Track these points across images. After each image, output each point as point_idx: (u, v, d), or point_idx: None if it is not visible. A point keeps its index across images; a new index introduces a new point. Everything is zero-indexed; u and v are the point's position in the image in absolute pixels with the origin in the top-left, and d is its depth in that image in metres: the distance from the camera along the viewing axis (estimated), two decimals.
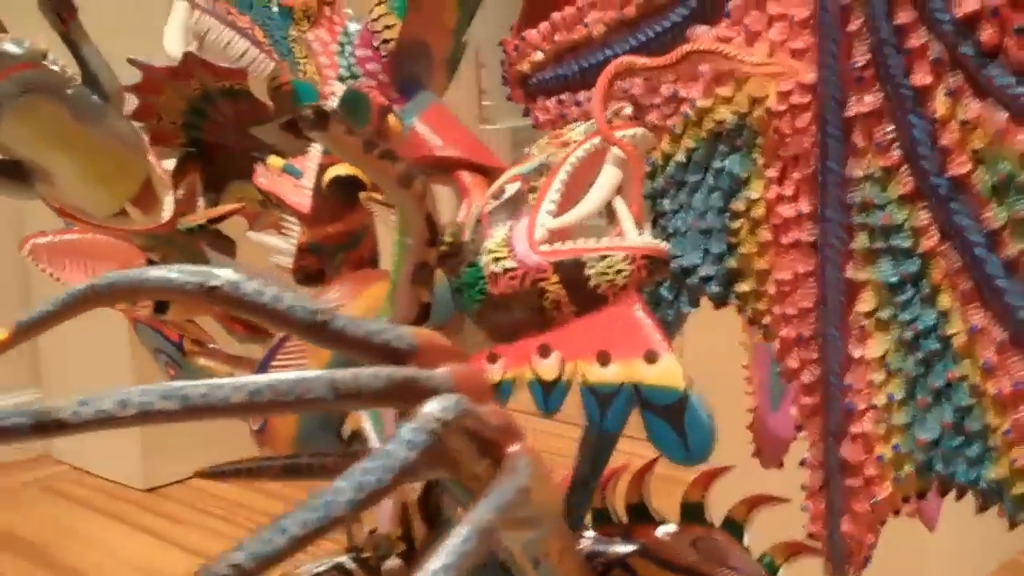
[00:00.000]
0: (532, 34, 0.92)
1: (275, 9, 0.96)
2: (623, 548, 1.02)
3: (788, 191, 0.78)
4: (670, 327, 0.91)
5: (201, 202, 0.97)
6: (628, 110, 0.79)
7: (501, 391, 0.77)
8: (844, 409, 0.78)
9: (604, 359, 0.73)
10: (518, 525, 0.65)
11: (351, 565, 0.75)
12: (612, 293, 0.75)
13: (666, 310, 0.88)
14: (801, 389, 0.81)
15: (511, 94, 0.97)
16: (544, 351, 0.76)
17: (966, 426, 0.73)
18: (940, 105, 0.70)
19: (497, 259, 0.77)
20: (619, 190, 0.79)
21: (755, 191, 0.80)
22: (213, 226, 0.91)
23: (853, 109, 0.74)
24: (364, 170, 0.76)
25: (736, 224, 0.82)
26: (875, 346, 0.76)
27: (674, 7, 0.83)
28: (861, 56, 0.73)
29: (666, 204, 0.86)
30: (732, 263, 0.83)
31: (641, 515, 1.06)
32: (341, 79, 0.94)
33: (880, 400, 0.76)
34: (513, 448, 0.58)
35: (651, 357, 0.72)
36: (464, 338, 0.81)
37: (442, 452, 0.53)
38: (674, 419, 0.70)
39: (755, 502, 1.05)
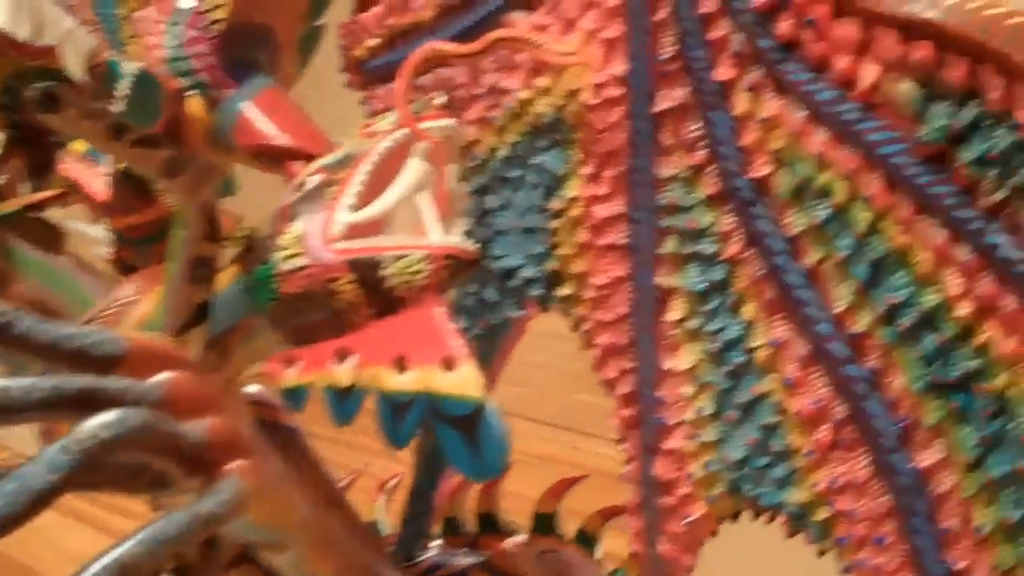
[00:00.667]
0: (366, 17, 0.87)
1: None
2: (465, 560, 0.97)
3: (603, 190, 0.74)
4: (498, 331, 0.87)
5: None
6: (440, 100, 0.74)
7: (296, 396, 0.72)
8: (657, 423, 0.73)
9: (401, 365, 0.68)
10: (266, 547, 0.60)
11: None
12: (411, 295, 0.70)
13: (492, 313, 0.83)
14: (620, 400, 0.76)
15: (349, 80, 0.92)
16: (341, 355, 0.71)
17: (770, 445, 0.68)
18: (741, 102, 0.65)
19: (289, 256, 0.72)
20: (425, 184, 0.74)
21: (572, 189, 0.76)
22: (31, 214, 0.87)
23: (661, 104, 0.69)
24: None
25: (556, 224, 0.77)
26: (685, 357, 0.71)
27: None
28: (667, 48, 0.68)
29: (491, 201, 0.81)
30: (553, 265, 0.78)
31: (490, 525, 1.02)
32: (167, 61, 0.89)
33: (690, 415, 0.72)
34: (231, 466, 0.54)
35: (448, 364, 0.67)
36: (261, 339, 0.76)
37: (122, 469, 0.49)
38: (468, 431, 0.66)
39: (609, 514, 1.01)
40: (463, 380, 0.66)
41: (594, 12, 0.72)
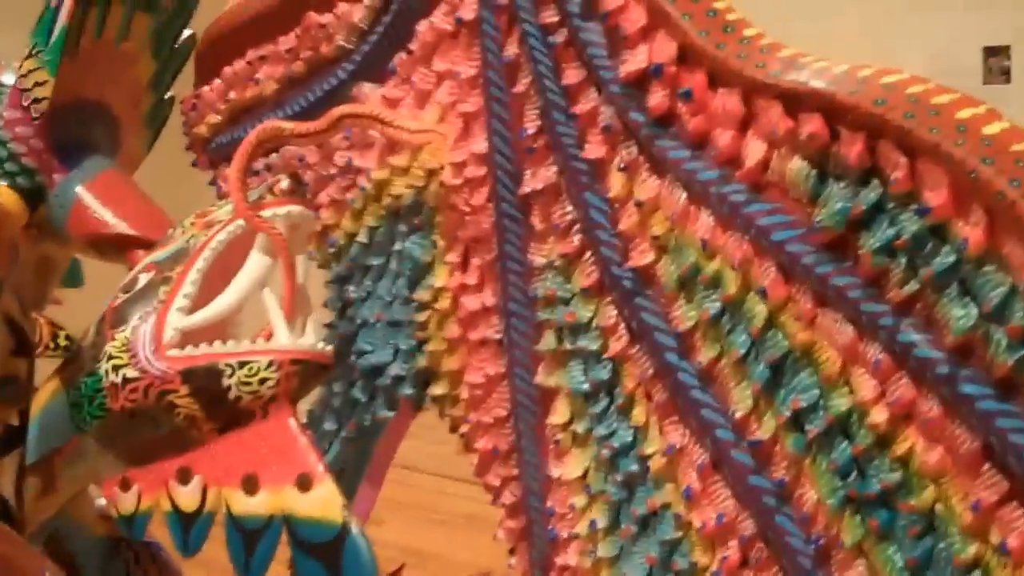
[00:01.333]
0: (207, 92, 0.78)
1: None
2: None
3: (472, 279, 0.65)
4: (371, 433, 0.77)
5: None
6: (285, 183, 0.65)
7: (135, 525, 0.63)
8: (548, 537, 0.65)
9: (251, 485, 0.60)
10: None
11: None
12: (258, 406, 0.61)
13: (362, 414, 0.74)
14: (505, 511, 0.68)
15: (196, 160, 0.82)
16: (184, 476, 0.62)
17: (673, 563, 0.60)
18: (616, 182, 0.57)
19: (117, 367, 0.63)
20: (268, 280, 0.65)
21: (439, 278, 0.67)
22: None
23: (527, 185, 0.61)
24: None
25: (423, 316, 0.69)
26: (573, 464, 0.63)
27: (340, 62, 0.69)
28: (531, 123, 0.60)
29: (352, 291, 0.72)
30: (423, 362, 0.70)
31: None
32: None
33: (583, 528, 0.63)
34: None
35: (304, 483, 0.58)
36: (92, 460, 0.66)
37: None
38: (329, 559, 0.57)
39: None
40: (322, 501, 0.58)
41: (450, 84, 0.63)
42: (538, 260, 0.62)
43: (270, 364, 0.60)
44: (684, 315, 0.56)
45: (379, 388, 0.73)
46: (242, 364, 0.60)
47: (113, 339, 0.64)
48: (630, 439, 0.61)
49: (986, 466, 0.47)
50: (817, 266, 0.51)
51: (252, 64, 0.73)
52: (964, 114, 0.46)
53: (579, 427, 0.62)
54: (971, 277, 0.46)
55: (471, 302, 0.65)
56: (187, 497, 0.61)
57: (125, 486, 0.64)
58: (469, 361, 0.67)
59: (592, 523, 0.63)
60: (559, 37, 0.57)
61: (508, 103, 0.61)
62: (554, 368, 0.63)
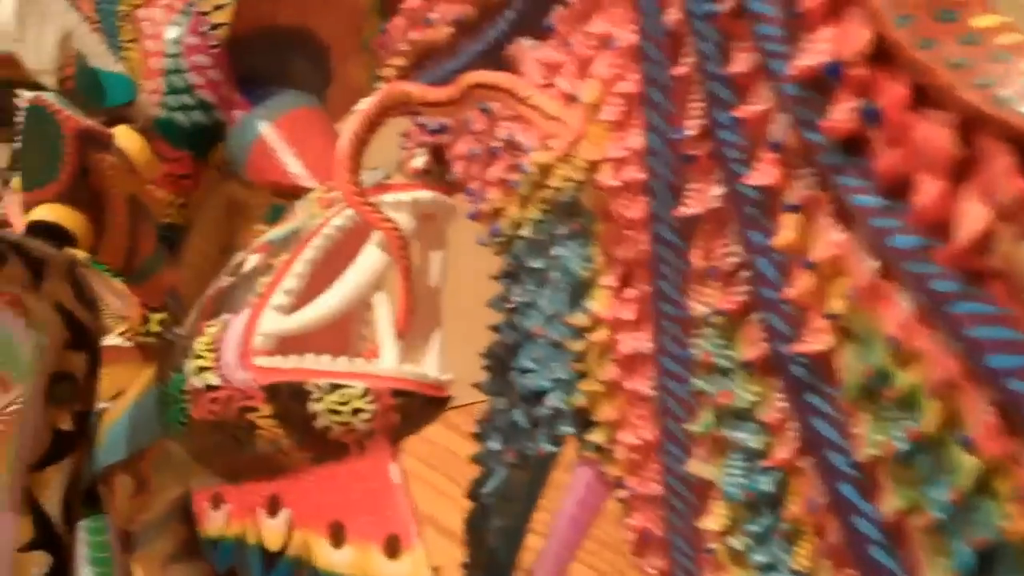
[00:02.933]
0: (392, 27, 0.64)
1: None
2: None
3: (628, 314, 0.49)
4: (536, 467, 0.63)
5: None
6: (419, 160, 0.51)
7: (219, 552, 0.54)
8: None
9: (338, 536, 0.51)
10: None
11: None
12: (352, 441, 0.49)
13: (524, 442, 0.60)
14: None
15: None
16: (273, 506, 0.53)
17: None
18: (787, 226, 0.38)
19: (201, 369, 0.53)
20: (383, 282, 0.52)
21: (597, 303, 0.51)
22: None
23: (687, 205, 0.43)
24: None
25: (580, 346, 0.53)
26: None
27: (503, 9, 0.53)
28: (692, 121, 0.42)
29: (517, 294, 0.57)
30: (581, 401, 0.54)
31: None
32: (165, 73, 0.70)
33: None
34: None
35: (392, 547, 0.49)
36: (181, 467, 0.57)
37: None
38: None
39: None
40: (407, 575, 0.47)
41: (610, 54, 0.46)
42: (698, 308, 0.44)
43: (366, 393, 0.48)
44: (867, 438, 0.37)
45: (540, 418, 0.58)
46: (334, 387, 0.49)
47: (203, 333, 0.53)
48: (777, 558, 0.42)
49: None
50: None
51: (429, 1, 0.59)
52: None
53: (736, 542, 0.45)
54: None
55: (627, 342, 0.49)
56: (273, 532, 0.52)
57: (216, 503, 0.55)
58: (625, 416, 0.51)
59: None
60: (727, 3, 0.38)
61: (669, 88, 0.42)
62: (710, 457, 0.45)
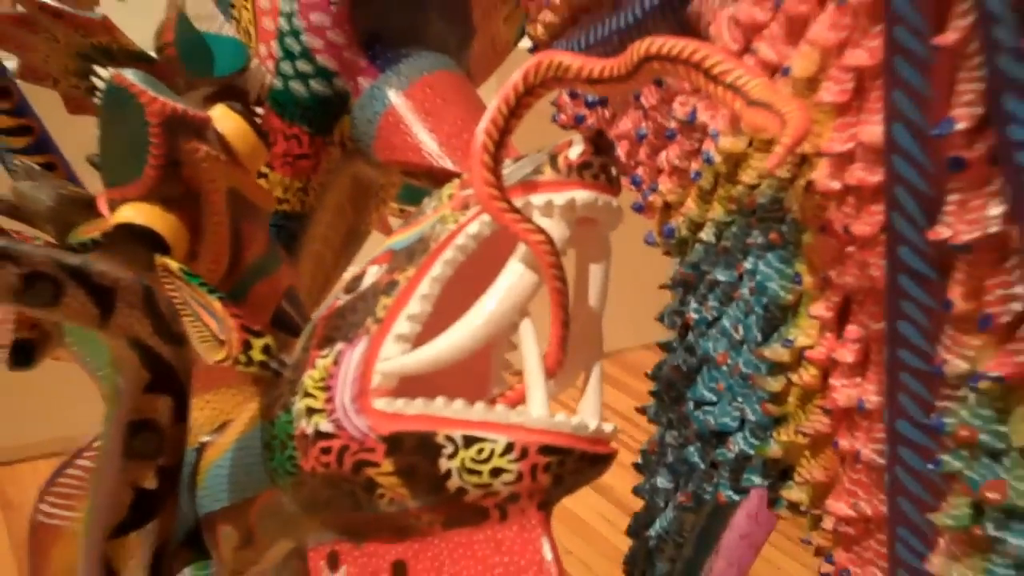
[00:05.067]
0: None
1: None
2: None
3: (849, 355, 0.37)
4: (713, 515, 0.52)
5: None
6: (576, 151, 0.40)
7: None
8: None
9: None
10: None
11: None
12: (492, 506, 0.39)
13: (700, 484, 0.49)
14: None
15: None
16: (399, 573, 0.42)
17: None
18: None
19: (311, 411, 0.44)
20: (527, 308, 0.41)
21: (802, 335, 0.40)
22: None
23: (949, 227, 0.30)
24: None
25: (778, 385, 0.41)
26: None
27: None
28: (964, 108, 0.29)
29: (694, 308, 0.46)
30: (775, 450, 0.42)
31: None
32: (280, 36, 0.60)
33: None
34: None
35: None
36: (291, 520, 0.47)
37: None
38: None
39: None
40: None
41: (836, 11, 0.33)
42: (956, 364, 0.32)
43: (509, 448, 0.38)
44: None
45: (720, 462, 0.46)
46: (469, 441, 0.40)
47: (313, 366, 0.43)
48: None
49: None
50: None
51: None
52: None
53: None
54: None
55: (845, 391, 0.37)
56: None
57: (333, 564, 0.45)
58: (839, 477, 0.39)
59: None
60: None
61: (927, 62, 0.30)
62: (963, 556, 0.33)
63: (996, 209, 0.30)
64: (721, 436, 0.46)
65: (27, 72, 0.66)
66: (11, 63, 0.67)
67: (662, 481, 0.53)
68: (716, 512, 0.53)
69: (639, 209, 0.50)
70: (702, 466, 0.49)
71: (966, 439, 0.32)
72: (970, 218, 0.31)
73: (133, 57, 0.62)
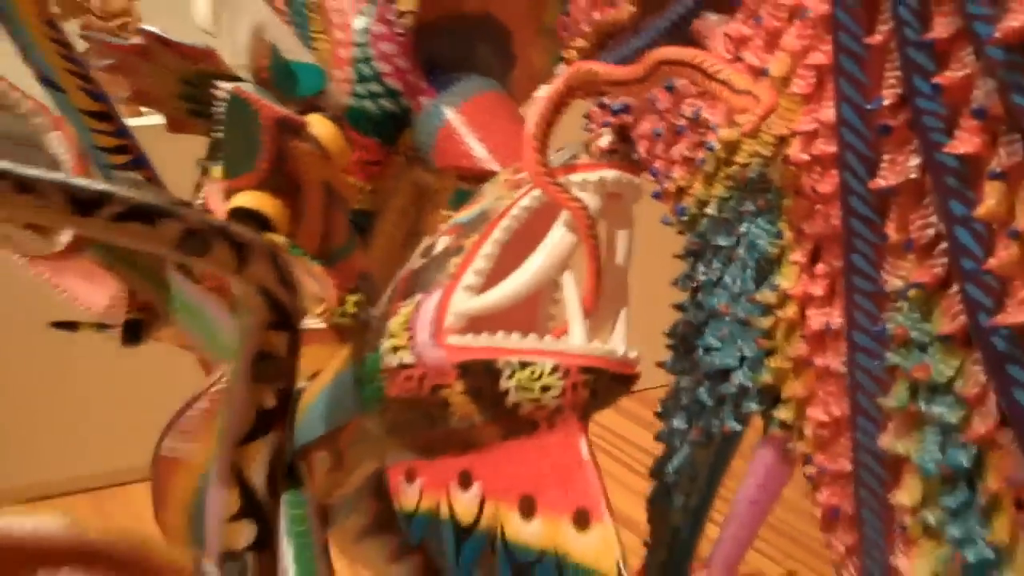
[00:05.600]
0: (575, 8, 0.65)
1: None
2: None
3: (818, 289, 0.49)
4: (721, 446, 0.63)
5: None
6: (605, 140, 0.52)
7: (413, 526, 0.56)
8: None
9: (528, 508, 0.51)
10: None
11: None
12: (542, 418, 0.51)
13: (709, 419, 0.61)
14: None
15: None
16: (465, 480, 0.55)
17: None
18: (989, 194, 0.38)
19: (395, 348, 0.55)
20: (570, 262, 0.53)
21: (785, 279, 0.51)
22: None
23: (883, 178, 0.43)
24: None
25: (768, 322, 0.53)
26: (922, 563, 0.46)
27: None
28: (889, 90, 0.42)
29: (703, 272, 0.58)
30: (768, 377, 0.54)
31: None
32: (352, 62, 0.73)
33: None
34: None
35: (582, 520, 0.50)
36: (376, 443, 0.59)
37: None
38: None
39: None
40: (597, 546, 0.48)
41: (799, 25, 0.46)
42: (893, 282, 0.44)
43: (555, 370, 0.49)
44: None
45: (725, 396, 0.58)
46: (524, 365, 0.50)
47: (396, 313, 0.55)
48: (991, 557, 0.42)
49: None
50: None
51: None
52: None
53: (931, 517, 0.45)
54: None
55: (817, 318, 0.49)
56: (465, 506, 0.53)
57: (410, 477, 0.57)
58: (814, 391, 0.50)
59: None
60: None
61: (863, 58, 0.42)
62: (904, 432, 0.45)
63: (914, 161, 0.42)
64: (725, 373, 0.58)
65: (138, 96, 0.79)
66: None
67: (678, 423, 0.65)
68: (723, 446, 0.65)
69: (658, 196, 0.62)
70: (710, 403, 0.60)
71: (902, 337, 0.44)
72: (897, 169, 0.43)
73: (232, 80, 0.74)
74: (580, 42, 0.66)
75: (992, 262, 0.38)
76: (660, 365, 0.65)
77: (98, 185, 0.46)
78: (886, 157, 0.43)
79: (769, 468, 0.79)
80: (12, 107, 0.70)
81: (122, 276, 0.75)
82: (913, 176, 0.42)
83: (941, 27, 0.38)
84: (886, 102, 0.42)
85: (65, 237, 0.70)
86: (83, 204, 0.44)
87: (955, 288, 0.41)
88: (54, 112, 0.77)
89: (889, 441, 0.46)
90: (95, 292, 0.82)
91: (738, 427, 0.59)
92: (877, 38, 0.42)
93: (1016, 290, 0.38)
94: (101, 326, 0.79)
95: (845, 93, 0.44)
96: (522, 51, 0.79)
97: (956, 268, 0.41)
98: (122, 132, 0.81)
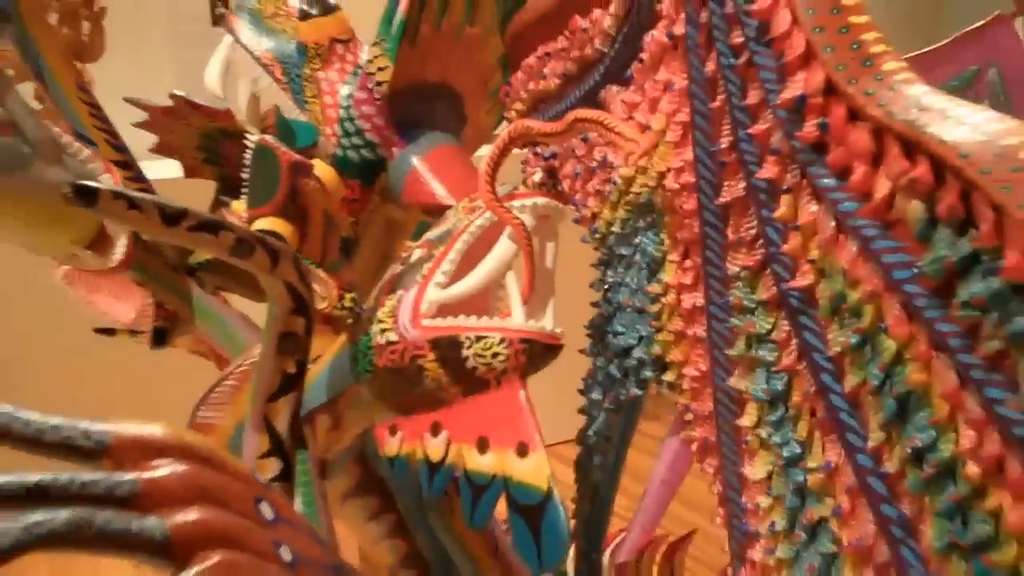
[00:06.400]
0: (514, 80, 0.88)
1: (292, 46, 0.98)
2: None
3: (688, 279, 0.71)
4: (628, 409, 0.85)
5: None
6: (537, 176, 0.75)
7: (396, 466, 0.77)
8: (741, 529, 0.70)
9: (483, 446, 0.72)
10: None
11: None
12: (492, 378, 0.72)
13: (618, 389, 0.82)
14: (718, 499, 0.74)
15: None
16: (435, 429, 0.75)
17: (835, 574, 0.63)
18: (782, 203, 0.61)
19: (383, 330, 0.76)
20: (511, 264, 0.75)
21: (667, 274, 0.74)
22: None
23: (723, 196, 0.65)
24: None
25: (656, 308, 0.75)
26: (759, 466, 0.68)
27: (597, 64, 0.76)
28: (724, 138, 0.64)
29: (610, 276, 0.80)
30: (657, 350, 0.76)
31: None
32: (339, 121, 0.95)
33: (765, 528, 0.68)
34: (196, 559, 0.57)
35: (522, 450, 0.69)
36: (367, 406, 0.80)
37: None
38: (532, 521, 0.68)
39: None
40: (533, 468, 0.68)
41: (670, 95, 0.69)
42: (732, 269, 0.66)
43: (502, 340, 0.70)
44: (835, 340, 0.59)
45: (628, 368, 0.80)
46: (479, 338, 0.71)
47: (383, 305, 0.76)
48: (798, 451, 0.64)
49: None
50: (927, 310, 0.52)
51: (541, 59, 0.82)
52: None
53: (763, 432, 0.67)
54: None
55: (688, 300, 0.71)
56: (435, 448, 0.74)
57: (392, 431, 0.77)
58: (688, 355, 0.73)
59: (772, 524, 0.67)
60: (742, 58, 0.61)
61: (709, 116, 0.65)
62: (744, 373, 0.67)
63: (741, 184, 0.65)
64: (627, 351, 0.80)
65: (162, 148, 1.01)
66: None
67: (595, 395, 0.87)
68: (629, 411, 0.87)
69: (578, 221, 0.85)
70: (618, 375, 0.83)
71: (739, 305, 0.67)
72: (731, 190, 0.65)
73: (242, 134, 0.96)
74: (519, 105, 0.89)
75: (785, 247, 0.61)
76: (582, 351, 0.87)
77: (180, 205, 0.67)
78: (725, 183, 0.66)
79: (675, 454, 1.02)
80: (75, 154, 0.91)
81: (153, 291, 0.96)
82: (740, 194, 0.64)
83: (752, 96, 0.61)
84: (723, 146, 0.65)
85: (117, 256, 0.91)
86: (170, 218, 0.65)
87: (769, 269, 0.64)
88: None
89: (735, 381, 0.68)
90: (123, 307, 1.03)
91: (639, 392, 0.81)
92: (716, 104, 0.65)
93: (800, 266, 0.60)
94: (133, 332, 0.99)
95: (699, 140, 0.66)
96: (473, 112, 1.02)
97: (768, 254, 0.63)
98: (140, 177, 1.02)
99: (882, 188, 0.53)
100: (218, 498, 0.57)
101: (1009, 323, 0.47)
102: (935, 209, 0.51)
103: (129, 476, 0.54)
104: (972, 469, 0.51)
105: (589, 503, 0.93)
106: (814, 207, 0.59)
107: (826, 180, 0.57)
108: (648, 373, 0.78)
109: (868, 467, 0.58)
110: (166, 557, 0.54)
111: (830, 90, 0.56)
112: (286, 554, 0.61)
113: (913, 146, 0.51)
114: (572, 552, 0.96)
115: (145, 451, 0.55)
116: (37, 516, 0.49)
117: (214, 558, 0.55)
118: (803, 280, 0.60)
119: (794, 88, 0.57)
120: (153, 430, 0.56)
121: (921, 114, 0.51)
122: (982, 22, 1.13)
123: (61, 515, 0.49)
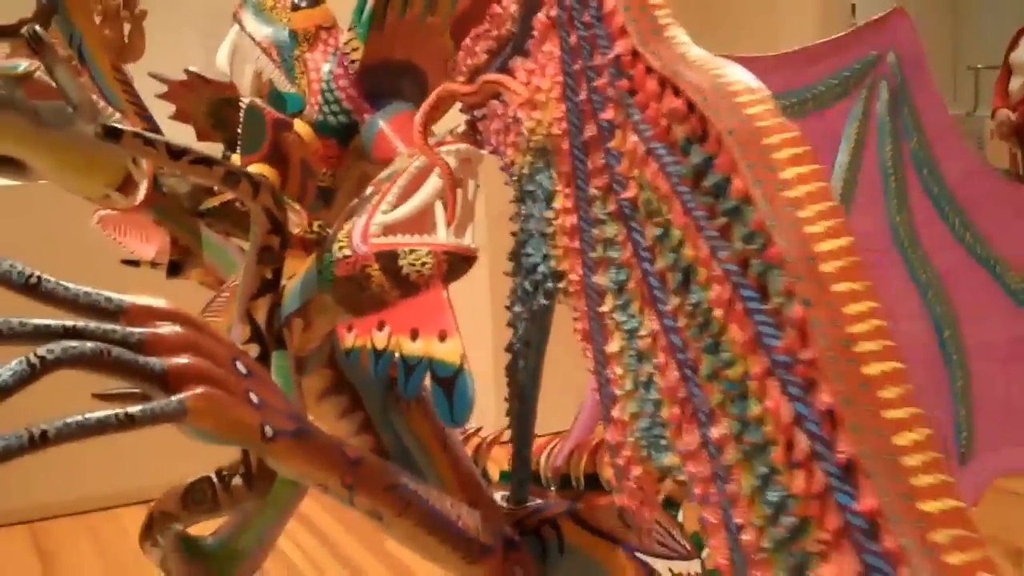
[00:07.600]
0: (458, 57, 1.15)
1: (286, 32, 1.26)
2: (558, 508, 1.23)
3: (569, 204, 0.97)
4: (542, 315, 1.11)
5: None
6: (461, 128, 1.01)
7: (351, 357, 1.03)
8: (608, 394, 0.96)
9: (415, 335, 0.97)
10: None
11: (215, 480, 1.04)
12: (422, 282, 0.98)
13: (531, 301, 1.08)
14: (591, 375, 0.99)
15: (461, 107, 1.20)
16: (380, 325, 1.01)
17: (656, 416, 0.89)
18: (616, 136, 0.87)
19: (341, 247, 1.03)
20: (440, 196, 1.01)
21: (556, 202, 0.99)
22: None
23: (583, 135, 0.91)
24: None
25: (551, 230, 1.01)
26: (615, 343, 0.93)
27: (509, 41, 1.03)
28: (583, 91, 0.90)
29: (523, 210, 1.06)
30: (553, 265, 1.02)
31: (595, 484, 1.26)
32: (321, 92, 1.22)
33: (621, 391, 0.93)
34: (184, 392, 0.82)
35: (442, 336, 0.95)
36: (331, 310, 1.07)
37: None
38: (447, 389, 0.93)
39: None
40: (449, 350, 0.93)
41: (551, 61, 0.95)
42: (592, 191, 0.92)
43: (429, 252, 0.96)
44: (648, 234, 0.85)
45: (537, 282, 1.06)
46: (411, 251, 0.97)
47: (342, 229, 1.03)
48: (636, 324, 0.90)
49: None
50: (689, 201, 0.78)
51: (474, 39, 1.09)
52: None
53: (616, 316, 0.92)
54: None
55: (568, 220, 0.97)
56: (380, 340, 0.99)
57: (349, 329, 1.03)
58: (571, 265, 0.99)
59: (623, 386, 0.93)
60: (591, 31, 0.87)
61: (573, 75, 0.91)
62: (602, 271, 0.93)
63: (594, 125, 0.91)
64: (535, 267, 1.06)
65: (178, 115, 1.29)
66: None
67: (517, 308, 1.12)
68: (542, 320, 1.12)
69: (504, 168, 1.11)
70: (530, 289, 1.09)
71: (596, 218, 0.93)
72: (587, 130, 0.91)
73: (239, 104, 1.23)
74: (460, 78, 1.15)
75: (619, 168, 0.87)
76: (506, 273, 1.13)
77: (183, 143, 0.94)
78: (584, 125, 0.92)
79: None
80: (109, 117, 1.19)
81: (170, 229, 1.24)
82: (594, 132, 0.90)
83: (597, 59, 0.87)
84: (582, 97, 0.91)
85: (140, 196, 1.18)
86: (175, 153, 0.92)
87: (612, 188, 0.90)
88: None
89: (598, 278, 0.94)
90: (146, 246, 1.30)
91: (546, 302, 1.07)
92: (577, 66, 0.91)
93: (630, 183, 0.86)
94: (154, 264, 1.27)
95: (568, 95, 0.92)
96: (434, 86, 1.29)
97: (611, 175, 0.89)
98: None
99: (663, 119, 0.79)
100: (205, 352, 0.83)
101: (726, 200, 0.73)
102: (689, 131, 0.76)
103: (139, 330, 0.80)
104: (717, 313, 0.76)
105: (518, 402, 1.18)
106: (633, 137, 0.84)
107: (636, 116, 0.83)
108: (550, 285, 1.04)
109: (670, 326, 0.84)
110: (162, 386, 0.79)
111: (635, 53, 0.81)
112: (255, 398, 0.87)
113: (677, 89, 0.77)
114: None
115: (152, 315, 0.81)
116: (73, 343, 0.74)
117: (198, 389, 0.81)
118: (629, 192, 0.86)
119: (615, 50, 0.83)
120: (160, 301, 0.82)
121: (684, 67, 0.77)
122: (883, 13, 1.41)
123: (88, 345, 0.75)
